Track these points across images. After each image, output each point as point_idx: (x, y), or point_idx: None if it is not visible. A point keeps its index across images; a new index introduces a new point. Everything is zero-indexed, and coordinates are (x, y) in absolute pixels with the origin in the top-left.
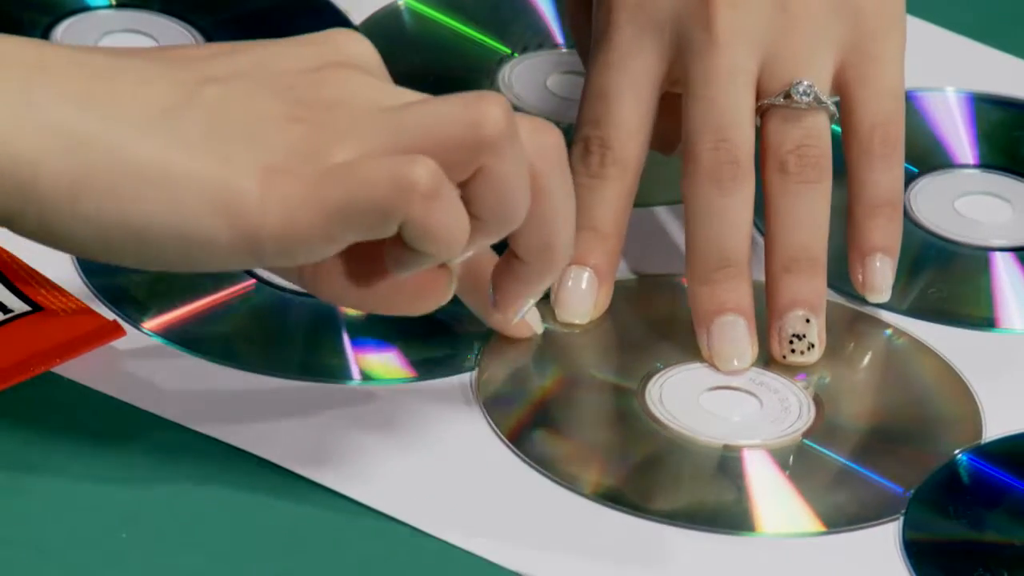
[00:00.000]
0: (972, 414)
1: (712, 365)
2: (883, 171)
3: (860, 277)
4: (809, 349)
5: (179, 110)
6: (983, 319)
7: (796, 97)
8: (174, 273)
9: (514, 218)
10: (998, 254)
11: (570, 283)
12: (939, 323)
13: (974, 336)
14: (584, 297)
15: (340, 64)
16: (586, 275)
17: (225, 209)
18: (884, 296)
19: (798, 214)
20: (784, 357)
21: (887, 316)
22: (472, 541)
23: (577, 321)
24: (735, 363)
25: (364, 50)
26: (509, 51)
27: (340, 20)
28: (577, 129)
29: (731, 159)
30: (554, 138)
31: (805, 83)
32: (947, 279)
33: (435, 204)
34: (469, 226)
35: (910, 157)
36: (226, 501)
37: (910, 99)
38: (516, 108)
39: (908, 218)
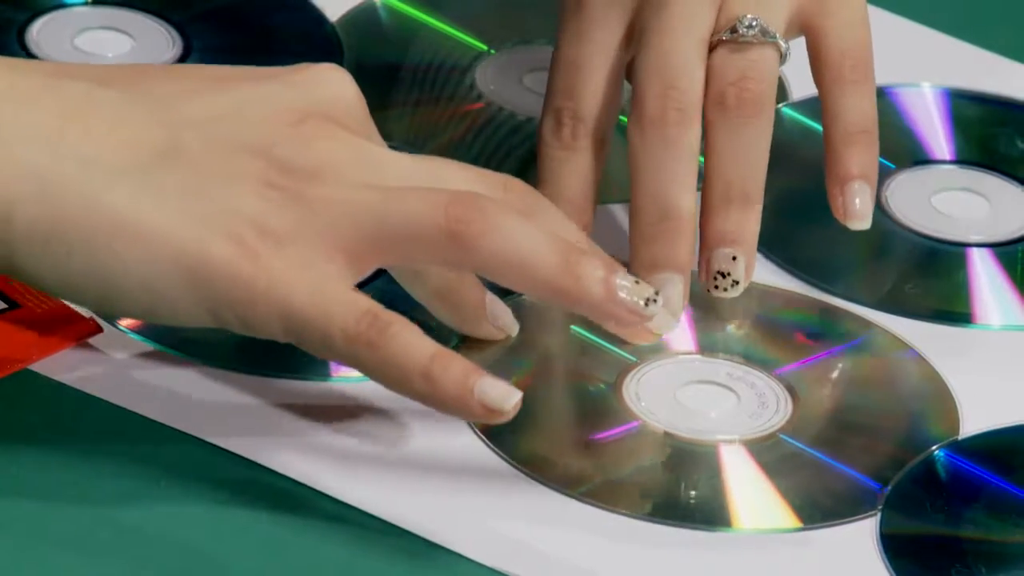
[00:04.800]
0: (949, 410)
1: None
2: (856, 97)
3: (840, 206)
4: (733, 286)
5: (156, 158)
6: (960, 315)
7: (741, 30)
8: None
9: (525, 282)
10: (975, 250)
11: None
12: (916, 319)
13: (951, 332)
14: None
15: (324, 116)
16: None
17: (191, 276)
18: (865, 223)
19: (735, 149)
20: (708, 291)
21: (864, 311)
22: (447, 537)
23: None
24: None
25: (348, 95)
26: (486, 48)
27: (316, 17)
28: (548, 100)
29: (677, 106)
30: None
31: (750, 17)
32: (924, 275)
33: (375, 349)
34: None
35: (886, 153)
36: (204, 498)
37: (887, 95)
38: (493, 105)
39: (885, 214)
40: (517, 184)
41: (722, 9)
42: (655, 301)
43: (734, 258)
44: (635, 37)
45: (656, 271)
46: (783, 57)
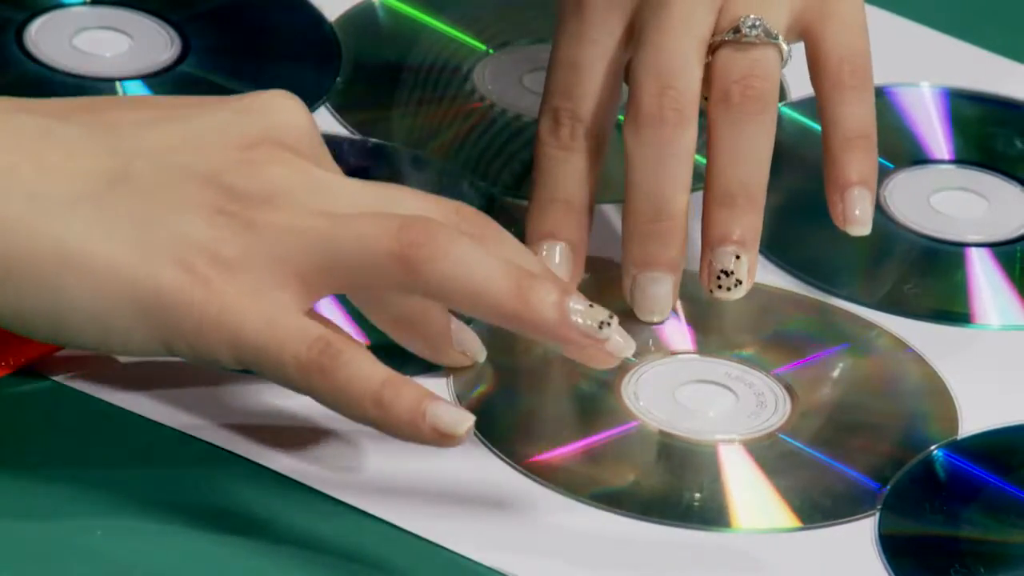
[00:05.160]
0: (948, 410)
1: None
2: (855, 103)
3: (840, 212)
4: (736, 286)
5: (105, 188)
6: (959, 315)
7: (745, 31)
8: None
9: (477, 307)
10: (974, 249)
11: (543, 256)
12: (915, 319)
13: (950, 332)
14: (559, 271)
15: (275, 143)
16: (559, 248)
17: (143, 305)
18: (865, 230)
19: (739, 147)
20: (711, 292)
21: (863, 311)
22: (447, 537)
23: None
24: (654, 318)
25: (300, 121)
26: (485, 48)
27: (314, 16)
28: (546, 100)
29: (674, 106)
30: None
31: (753, 17)
32: (923, 275)
33: (327, 375)
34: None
35: (885, 152)
36: (202, 498)
37: (886, 95)
38: (492, 105)
39: (883, 214)
40: (469, 211)
41: (723, 11)
42: (609, 324)
43: (737, 257)
44: (634, 37)
45: (648, 269)
46: (784, 59)
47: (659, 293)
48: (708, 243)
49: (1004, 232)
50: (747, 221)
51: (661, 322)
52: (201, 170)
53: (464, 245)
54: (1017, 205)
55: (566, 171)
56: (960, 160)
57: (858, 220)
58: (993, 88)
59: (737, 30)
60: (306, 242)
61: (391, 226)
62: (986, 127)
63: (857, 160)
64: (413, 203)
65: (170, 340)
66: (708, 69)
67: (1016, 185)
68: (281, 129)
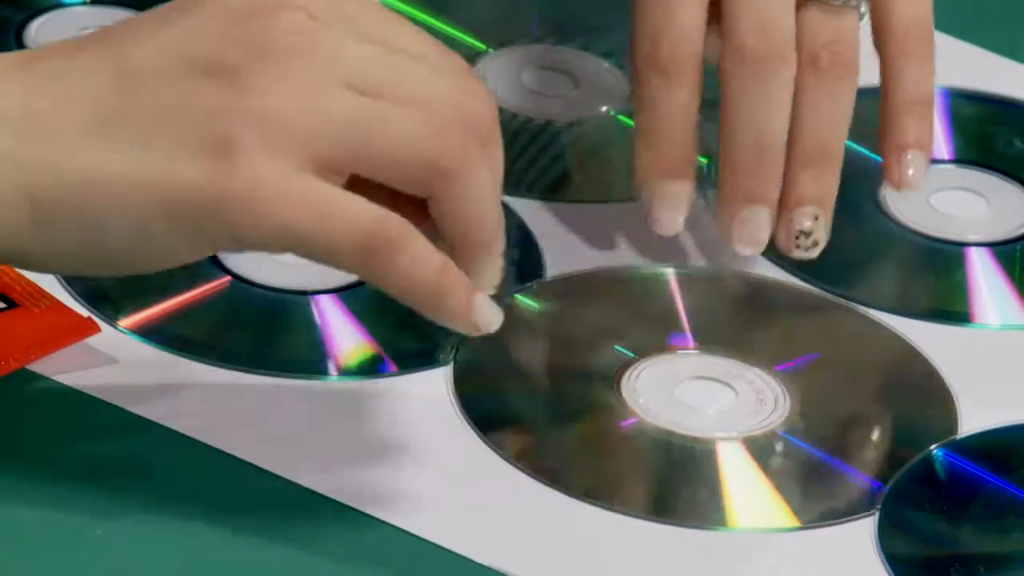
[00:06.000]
0: (948, 409)
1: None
2: (918, 69)
3: (896, 174)
4: (814, 246)
5: (115, 109)
6: (959, 314)
7: None
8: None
9: (480, 236)
10: (973, 249)
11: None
12: (915, 318)
13: (950, 331)
14: (680, 214)
15: (276, 7)
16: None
17: (175, 208)
18: (918, 190)
19: (823, 110)
20: (788, 251)
21: (863, 310)
22: (447, 537)
23: (670, 233)
24: (750, 250)
25: None
26: (484, 46)
27: None
28: (640, 42)
29: (779, 48)
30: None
31: None
32: (923, 274)
33: (382, 259)
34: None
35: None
36: (200, 498)
37: None
38: None
39: (884, 214)
40: (480, 107)
41: None
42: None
43: (816, 218)
44: None
45: (750, 204)
46: (860, 20)
47: (759, 226)
48: (787, 204)
49: (1004, 232)
50: (827, 182)
51: (755, 255)
52: (204, 61)
53: (484, 178)
54: (1017, 205)
55: (671, 112)
56: (960, 160)
57: (911, 181)
58: (993, 88)
59: None
60: (331, 127)
61: (423, 126)
62: (986, 127)
63: (915, 124)
64: (424, 78)
65: (214, 238)
66: (797, 25)
67: (1016, 185)
68: None
